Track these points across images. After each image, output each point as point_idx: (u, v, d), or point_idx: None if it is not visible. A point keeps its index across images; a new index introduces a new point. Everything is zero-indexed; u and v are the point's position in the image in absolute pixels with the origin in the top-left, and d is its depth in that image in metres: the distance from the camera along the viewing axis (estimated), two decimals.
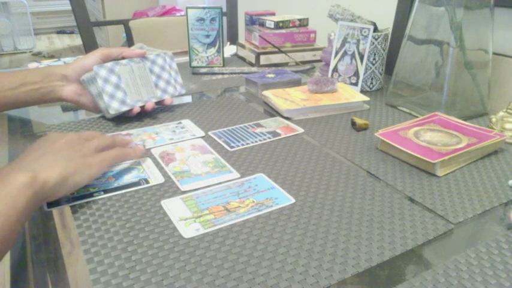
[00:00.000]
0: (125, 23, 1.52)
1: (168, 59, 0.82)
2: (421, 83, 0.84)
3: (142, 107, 0.76)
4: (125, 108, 0.73)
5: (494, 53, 0.82)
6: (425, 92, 0.84)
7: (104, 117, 0.78)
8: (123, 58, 0.76)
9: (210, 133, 0.72)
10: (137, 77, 0.76)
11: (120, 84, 0.73)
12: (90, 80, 0.73)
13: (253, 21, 1.25)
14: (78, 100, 0.75)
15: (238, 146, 0.67)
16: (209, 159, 0.63)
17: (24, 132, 0.73)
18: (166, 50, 0.83)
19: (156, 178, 0.57)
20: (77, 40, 4.50)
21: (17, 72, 0.72)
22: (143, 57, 0.78)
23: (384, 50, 0.93)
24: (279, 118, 0.79)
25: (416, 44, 0.82)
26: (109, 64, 0.73)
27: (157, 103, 0.79)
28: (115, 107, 0.72)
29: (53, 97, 0.74)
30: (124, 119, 0.77)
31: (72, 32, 4.79)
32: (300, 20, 1.19)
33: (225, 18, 1.55)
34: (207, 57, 1.12)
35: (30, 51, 4.07)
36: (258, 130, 0.74)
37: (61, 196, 0.49)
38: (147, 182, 0.56)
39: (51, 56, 3.90)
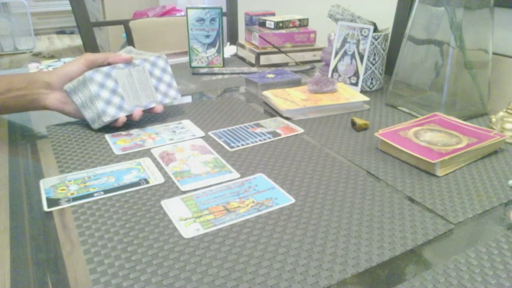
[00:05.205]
0: (125, 23, 1.52)
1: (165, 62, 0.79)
2: (421, 83, 0.84)
3: (129, 116, 0.72)
4: (121, 114, 0.70)
5: (494, 53, 0.82)
6: (425, 92, 0.84)
7: None
8: (108, 64, 0.72)
9: (210, 133, 0.72)
10: (136, 80, 0.73)
11: (117, 89, 0.70)
12: (73, 90, 0.69)
13: (253, 21, 1.25)
14: (63, 109, 0.72)
15: (238, 146, 0.67)
16: (209, 159, 0.63)
17: (24, 132, 0.73)
18: (157, 53, 0.79)
19: (156, 178, 0.57)
20: (77, 40, 4.50)
21: (3, 77, 0.70)
22: (143, 59, 0.75)
23: (383, 50, 0.93)
24: (279, 118, 0.79)
25: (416, 44, 0.82)
26: (105, 68, 0.70)
27: (146, 111, 0.75)
28: (111, 113, 0.69)
29: (37, 105, 0.71)
30: None
31: (72, 32, 4.79)
32: (300, 20, 1.19)
33: (225, 19, 1.55)
34: (207, 57, 1.12)
35: (30, 52, 4.07)
36: (258, 130, 0.74)
37: None
38: (147, 182, 0.56)
39: (51, 57, 3.90)
